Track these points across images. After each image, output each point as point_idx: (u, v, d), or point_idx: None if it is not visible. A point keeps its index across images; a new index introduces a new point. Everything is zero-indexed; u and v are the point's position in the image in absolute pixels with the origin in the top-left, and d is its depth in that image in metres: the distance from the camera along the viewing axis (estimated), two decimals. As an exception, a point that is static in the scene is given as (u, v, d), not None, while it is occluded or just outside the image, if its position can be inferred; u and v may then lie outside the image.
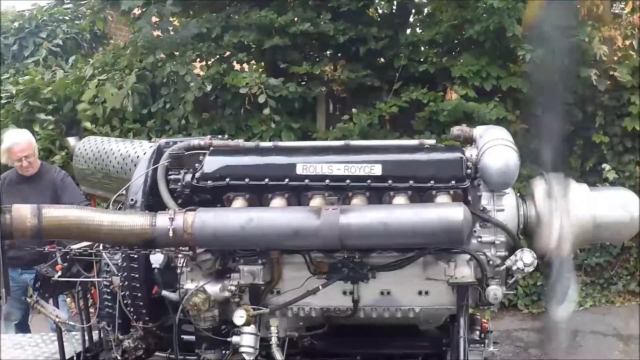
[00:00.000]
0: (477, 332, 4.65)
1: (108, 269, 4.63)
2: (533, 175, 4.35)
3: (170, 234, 3.82)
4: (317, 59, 9.61)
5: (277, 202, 3.98)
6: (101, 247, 4.56)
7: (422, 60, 9.36)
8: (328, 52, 9.74)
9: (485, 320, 4.87)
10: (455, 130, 4.34)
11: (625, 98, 8.63)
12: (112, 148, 5.34)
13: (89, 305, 4.99)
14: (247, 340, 4.05)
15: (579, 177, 8.23)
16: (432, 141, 4.25)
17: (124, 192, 4.57)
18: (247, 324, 4.03)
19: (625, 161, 8.74)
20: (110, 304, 4.68)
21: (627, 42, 8.76)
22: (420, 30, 9.87)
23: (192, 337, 4.68)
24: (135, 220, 3.90)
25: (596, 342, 7.62)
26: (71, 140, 6.05)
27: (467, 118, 8.19)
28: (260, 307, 4.13)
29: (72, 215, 3.88)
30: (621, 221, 4.21)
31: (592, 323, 8.16)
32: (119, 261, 4.55)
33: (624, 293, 8.90)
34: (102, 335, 4.82)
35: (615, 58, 8.67)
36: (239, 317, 4.03)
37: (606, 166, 8.45)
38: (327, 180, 3.93)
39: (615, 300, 8.84)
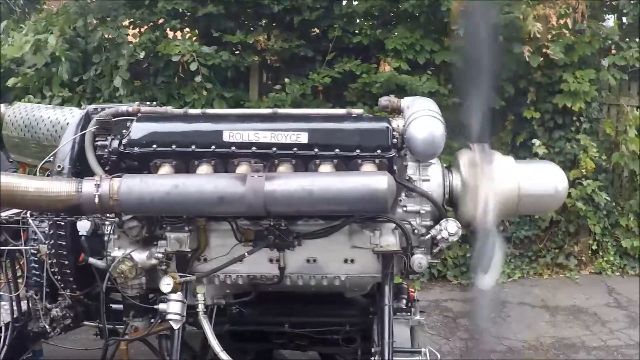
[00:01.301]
0: (404, 301, 4.73)
1: (35, 237, 4.58)
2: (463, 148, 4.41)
3: (96, 200, 3.80)
4: (251, 28, 9.48)
5: (204, 169, 3.97)
6: (28, 215, 4.50)
7: (356, 32, 9.29)
8: (262, 22, 9.61)
9: (412, 290, 4.95)
10: (383, 100, 4.37)
11: (558, 75, 8.75)
12: (42, 115, 5.25)
13: (17, 274, 4.94)
14: (174, 308, 4.05)
15: (510, 152, 8.36)
16: (360, 111, 4.27)
17: (51, 159, 4.50)
18: (174, 291, 4.02)
19: (555, 137, 8.86)
20: (38, 272, 4.64)
21: (562, 21, 8.87)
22: (356, 2, 9.80)
23: (121, 306, 4.67)
24: (62, 187, 3.87)
25: (523, 313, 7.78)
26: (1, 107, 5.90)
27: (399, 90, 8.19)
28: (187, 275, 4.12)
29: (-3, 182, 3.82)
30: (546, 193, 4.31)
31: (520, 294, 8.33)
32: (46, 229, 4.50)
33: (552, 266, 9.07)
34: (30, 304, 4.76)
35: (549, 36, 8.77)
36: (165, 284, 4.02)
37: (536, 141, 8.55)
38: (253, 148, 3.94)
39: (544, 273, 9.00)
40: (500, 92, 8.50)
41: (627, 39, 9.25)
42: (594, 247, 9.24)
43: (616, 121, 9.32)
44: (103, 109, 4.46)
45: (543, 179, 4.31)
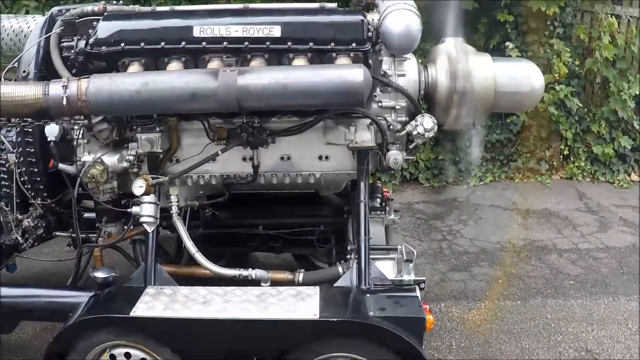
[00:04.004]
0: (378, 200, 4.73)
1: (3, 147, 4.50)
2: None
3: (64, 102, 3.70)
4: None
5: (174, 66, 3.87)
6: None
7: None
8: None
9: (386, 189, 4.95)
10: (358, -7, 4.28)
11: (532, -22, 8.62)
12: (4, 25, 5.08)
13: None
14: (147, 210, 4.01)
15: (483, 55, 8.28)
16: (334, 5, 4.18)
17: (15, 65, 4.38)
18: (146, 193, 3.98)
19: (529, 41, 8.74)
20: (7, 183, 4.57)
21: None
22: None
23: (92, 215, 4.63)
24: (28, 91, 3.77)
25: (496, 215, 7.86)
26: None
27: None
28: (159, 176, 4.07)
29: (-41, 89, 3.70)
30: (522, 91, 4.28)
31: (492, 197, 8.38)
32: (14, 137, 4.41)
33: (523, 170, 9.09)
34: (0, 217, 4.69)
35: (525, -62, 8.60)
36: (138, 187, 3.98)
37: (509, 44, 8.42)
38: (225, 43, 3.82)
39: (515, 177, 9.03)
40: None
41: (604, -56, 9.10)
42: (566, 153, 9.26)
43: (590, 27, 9.23)
44: (68, 10, 4.33)
45: (520, 77, 4.28)
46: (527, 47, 8.76)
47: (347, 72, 3.58)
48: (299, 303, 3.61)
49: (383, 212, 4.61)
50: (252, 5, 4.19)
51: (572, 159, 9.27)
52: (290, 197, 4.73)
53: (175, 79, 3.65)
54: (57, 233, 4.88)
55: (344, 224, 4.69)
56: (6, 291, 4.42)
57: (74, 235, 4.69)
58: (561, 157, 9.30)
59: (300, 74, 3.60)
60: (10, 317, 4.66)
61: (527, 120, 8.95)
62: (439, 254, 6.82)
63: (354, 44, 3.85)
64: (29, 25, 4.96)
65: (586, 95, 9.36)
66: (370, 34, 3.91)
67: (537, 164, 9.12)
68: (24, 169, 4.43)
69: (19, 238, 4.61)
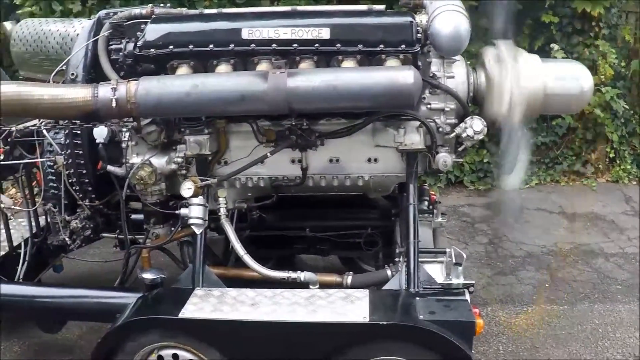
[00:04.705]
0: (426, 203, 4.70)
1: (51, 149, 4.53)
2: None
3: (114, 104, 3.70)
4: None
5: (223, 68, 3.86)
6: (42, 127, 4.43)
7: None
8: None
9: (433, 192, 4.92)
10: (405, -5, 4.26)
11: (577, -21, 8.51)
12: (50, 29, 5.14)
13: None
14: (195, 212, 4.00)
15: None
16: (382, 7, 4.15)
17: (64, 67, 4.42)
18: (195, 195, 3.98)
19: (573, 42, 8.63)
20: (55, 184, 4.60)
21: None
22: None
23: (140, 216, 4.65)
24: (77, 93, 3.77)
25: (542, 219, 7.76)
26: (7, 25, 5.75)
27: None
28: (208, 178, 4.07)
29: (10, 91, 3.73)
30: (572, 93, 4.22)
31: (538, 201, 8.29)
32: (62, 140, 4.45)
33: (569, 173, 8.99)
34: (49, 218, 4.74)
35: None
36: (186, 189, 3.97)
37: (555, 46, 8.33)
38: (273, 45, 3.81)
39: (561, 180, 8.95)
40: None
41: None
42: (611, 155, 9.14)
43: (635, 28, 9.10)
44: (115, 13, 4.36)
45: (569, 78, 4.22)
46: (572, 49, 8.65)
47: (397, 74, 3.55)
48: (349, 306, 3.59)
49: (431, 215, 4.58)
50: (300, 8, 4.19)
51: (617, 161, 9.15)
52: (338, 200, 4.71)
53: (224, 81, 3.65)
54: (104, 234, 4.90)
55: (392, 226, 4.67)
56: (53, 291, 4.48)
57: (121, 236, 4.72)
58: (607, 160, 9.18)
59: (350, 76, 3.58)
60: (57, 317, 4.72)
61: (572, 123, 8.85)
62: (485, 258, 6.76)
63: (403, 46, 3.82)
64: (75, 29, 5.02)
65: (632, 97, 9.23)
66: (419, 35, 3.88)
67: (582, 167, 9.02)
68: (72, 170, 4.45)
69: (67, 239, 4.66)
